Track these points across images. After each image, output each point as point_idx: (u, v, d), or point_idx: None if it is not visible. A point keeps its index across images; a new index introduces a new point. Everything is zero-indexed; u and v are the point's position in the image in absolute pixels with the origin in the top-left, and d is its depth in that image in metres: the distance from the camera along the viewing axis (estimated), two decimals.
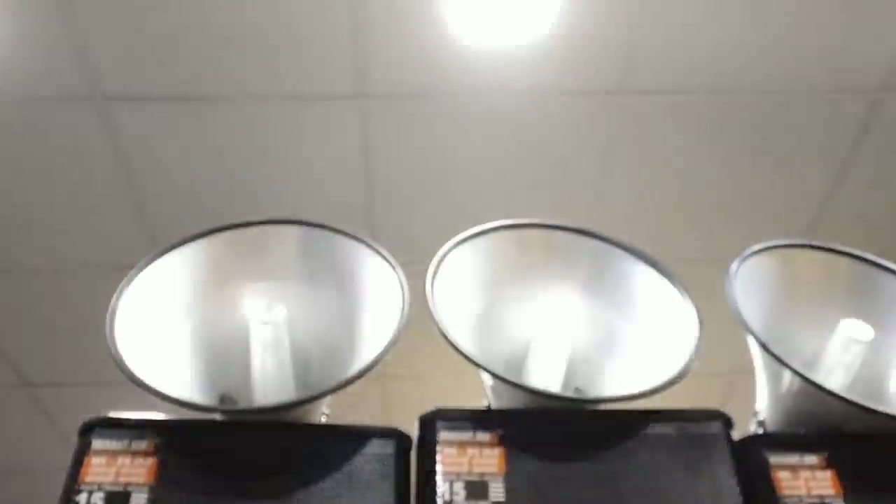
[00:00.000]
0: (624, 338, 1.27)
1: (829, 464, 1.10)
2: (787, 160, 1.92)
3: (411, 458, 1.08)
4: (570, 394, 1.23)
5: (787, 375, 1.18)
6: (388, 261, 1.15)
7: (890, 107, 1.81)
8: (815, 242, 1.31)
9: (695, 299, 1.19)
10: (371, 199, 2.01)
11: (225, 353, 1.17)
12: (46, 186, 1.90)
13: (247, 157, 1.86)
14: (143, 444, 0.99)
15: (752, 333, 1.15)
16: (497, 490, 1.02)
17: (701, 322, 1.17)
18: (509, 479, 1.03)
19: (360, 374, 1.02)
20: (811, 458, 1.10)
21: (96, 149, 1.81)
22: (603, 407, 1.13)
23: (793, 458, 1.10)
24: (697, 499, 1.03)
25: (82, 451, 0.97)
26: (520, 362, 1.27)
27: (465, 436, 1.06)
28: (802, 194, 1.99)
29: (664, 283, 1.24)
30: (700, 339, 1.15)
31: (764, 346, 1.15)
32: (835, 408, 1.13)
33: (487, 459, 1.04)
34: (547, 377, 1.24)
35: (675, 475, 1.05)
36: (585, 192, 1.97)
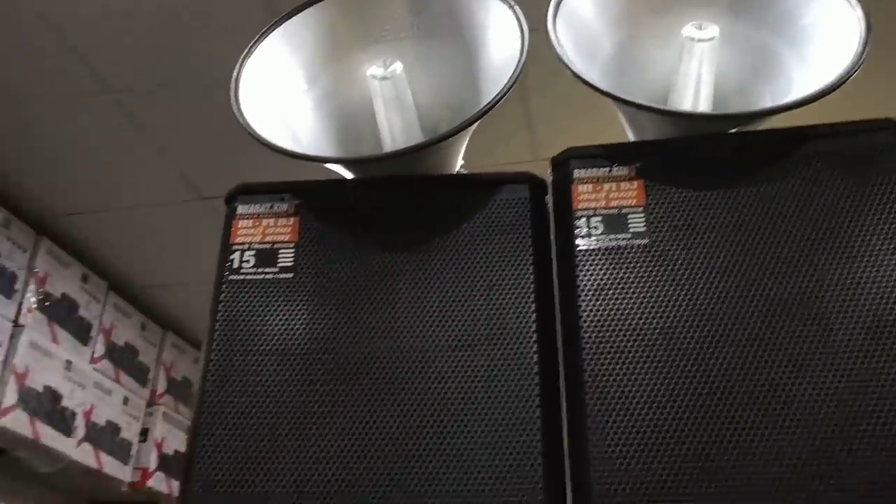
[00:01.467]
0: (782, 58, 1.13)
1: None
2: None
3: (548, 204, 1.05)
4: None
5: None
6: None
7: None
8: None
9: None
10: None
11: (354, 121, 1.17)
12: None
13: None
14: (283, 206, 1.03)
15: None
16: (637, 221, 0.97)
17: (869, 24, 1.01)
18: (650, 210, 0.98)
19: (482, 114, 0.98)
20: None
21: None
22: (751, 127, 1.03)
23: None
24: (865, 217, 0.93)
25: (230, 216, 1.03)
26: (662, 102, 1.18)
27: (601, 172, 1.01)
28: None
29: None
30: (867, 42, 1.00)
31: None
32: None
33: (626, 193, 1.00)
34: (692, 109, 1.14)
35: (840, 192, 0.95)
36: None
